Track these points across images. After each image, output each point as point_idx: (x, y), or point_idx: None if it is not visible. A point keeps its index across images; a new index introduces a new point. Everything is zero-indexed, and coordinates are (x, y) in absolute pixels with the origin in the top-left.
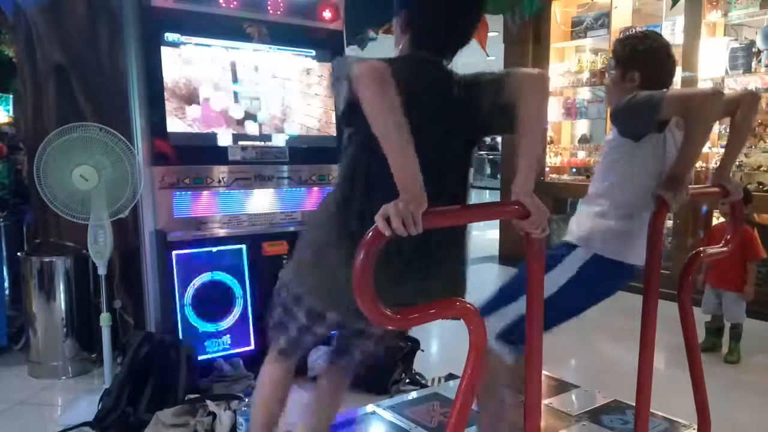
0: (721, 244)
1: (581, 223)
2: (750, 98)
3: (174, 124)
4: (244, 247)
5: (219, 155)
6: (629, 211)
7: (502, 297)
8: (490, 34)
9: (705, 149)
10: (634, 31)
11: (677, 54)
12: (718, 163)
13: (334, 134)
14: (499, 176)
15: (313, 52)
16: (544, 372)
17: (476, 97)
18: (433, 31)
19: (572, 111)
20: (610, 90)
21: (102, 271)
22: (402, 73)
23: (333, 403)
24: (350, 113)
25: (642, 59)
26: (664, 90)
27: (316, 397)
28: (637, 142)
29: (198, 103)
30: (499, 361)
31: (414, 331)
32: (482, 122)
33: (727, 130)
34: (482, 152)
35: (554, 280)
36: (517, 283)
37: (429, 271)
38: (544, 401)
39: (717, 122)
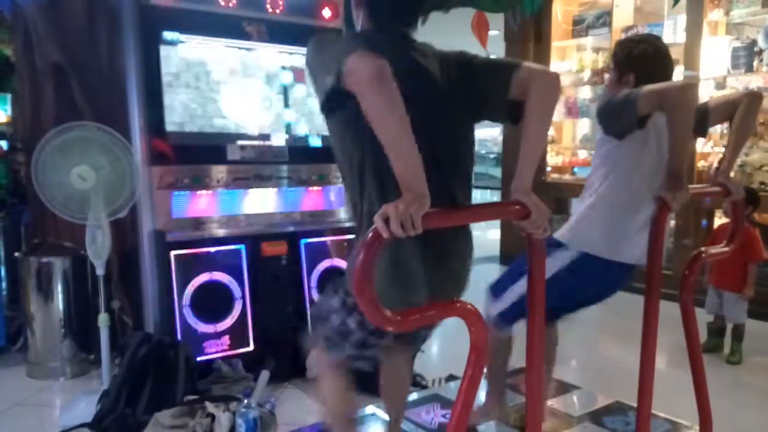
0: (722, 244)
1: (571, 222)
2: (749, 98)
3: (172, 124)
4: (243, 247)
5: (218, 155)
6: (616, 208)
7: (507, 280)
8: (490, 33)
9: (707, 148)
10: (636, 31)
11: (679, 53)
12: (719, 163)
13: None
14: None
15: None
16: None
17: (468, 77)
18: None
19: (573, 110)
20: (608, 89)
21: (100, 271)
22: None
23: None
24: (336, 100)
25: (637, 63)
26: (641, 87)
27: (385, 380)
28: (620, 141)
29: (197, 103)
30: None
31: None
32: (473, 104)
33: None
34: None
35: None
36: (517, 270)
37: (445, 268)
38: (547, 403)
39: (720, 123)
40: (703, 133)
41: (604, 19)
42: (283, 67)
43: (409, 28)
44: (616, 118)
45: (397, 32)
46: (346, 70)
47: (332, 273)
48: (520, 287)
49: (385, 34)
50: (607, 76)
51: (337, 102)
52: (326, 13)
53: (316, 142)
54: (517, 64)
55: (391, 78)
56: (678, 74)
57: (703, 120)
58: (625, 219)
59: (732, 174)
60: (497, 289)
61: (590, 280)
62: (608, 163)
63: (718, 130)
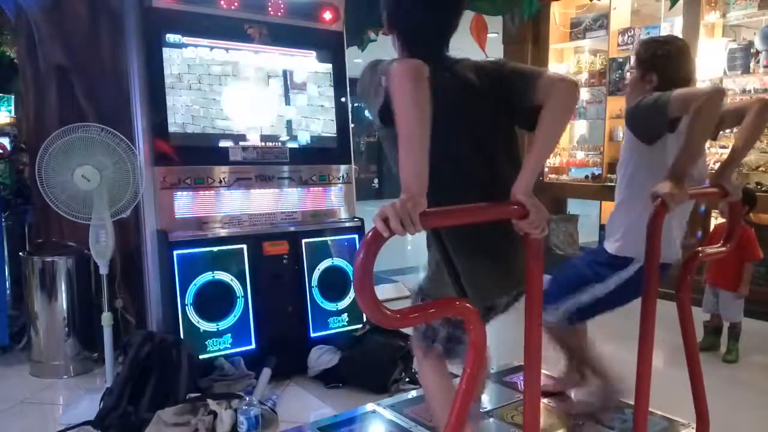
0: (719, 244)
1: (622, 233)
2: (759, 104)
3: (175, 125)
4: (245, 246)
5: (220, 155)
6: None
7: (568, 287)
8: (489, 35)
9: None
10: (633, 33)
11: None
12: (720, 164)
13: (335, 134)
14: None
15: (314, 53)
16: (543, 371)
17: (499, 84)
18: (415, 24)
19: None
20: (630, 89)
21: (104, 270)
22: None
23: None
24: (388, 113)
25: (661, 63)
26: (671, 90)
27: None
28: (651, 146)
29: (199, 104)
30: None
31: None
32: (505, 108)
33: (726, 132)
34: None
35: (607, 286)
36: (580, 273)
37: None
38: (544, 400)
39: (732, 127)
40: (714, 136)
41: (602, 21)
42: (285, 69)
43: (441, 50)
44: (647, 120)
45: (430, 55)
46: (389, 71)
47: (333, 272)
48: (599, 290)
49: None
50: (633, 73)
51: (388, 115)
52: (327, 16)
53: (316, 142)
54: (541, 72)
55: (425, 79)
56: None
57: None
58: (667, 223)
59: (734, 176)
60: (554, 293)
61: (639, 286)
62: (641, 174)
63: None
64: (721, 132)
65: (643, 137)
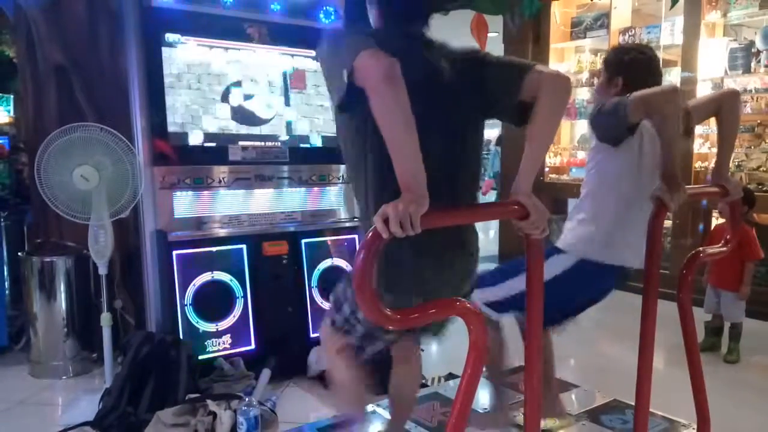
0: (720, 244)
1: (568, 229)
2: (728, 97)
3: (174, 125)
4: (244, 246)
5: (219, 155)
6: (610, 214)
7: (501, 275)
8: (489, 35)
9: (704, 149)
10: (634, 32)
11: (676, 54)
12: (714, 164)
13: (335, 134)
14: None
15: (313, 53)
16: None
17: (478, 76)
18: None
19: (572, 111)
20: (597, 92)
21: (103, 271)
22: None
23: (414, 375)
24: (351, 100)
25: (627, 67)
26: (629, 95)
27: (396, 379)
28: (615, 147)
29: (198, 104)
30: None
31: None
32: (481, 103)
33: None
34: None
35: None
36: (517, 266)
37: (452, 263)
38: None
39: (702, 121)
40: (687, 132)
41: (602, 21)
42: (284, 69)
43: (420, 27)
44: (608, 127)
45: (409, 31)
46: (356, 66)
47: (333, 272)
48: (518, 283)
49: (396, 33)
50: (596, 80)
51: (350, 98)
52: (326, 14)
53: (316, 142)
54: (529, 65)
55: (401, 78)
56: (676, 76)
57: (685, 120)
58: (624, 224)
59: (739, 175)
60: (485, 280)
61: (588, 285)
62: (605, 169)
63: (714, 131)
64: (697, 125)
65: (606, 140)
